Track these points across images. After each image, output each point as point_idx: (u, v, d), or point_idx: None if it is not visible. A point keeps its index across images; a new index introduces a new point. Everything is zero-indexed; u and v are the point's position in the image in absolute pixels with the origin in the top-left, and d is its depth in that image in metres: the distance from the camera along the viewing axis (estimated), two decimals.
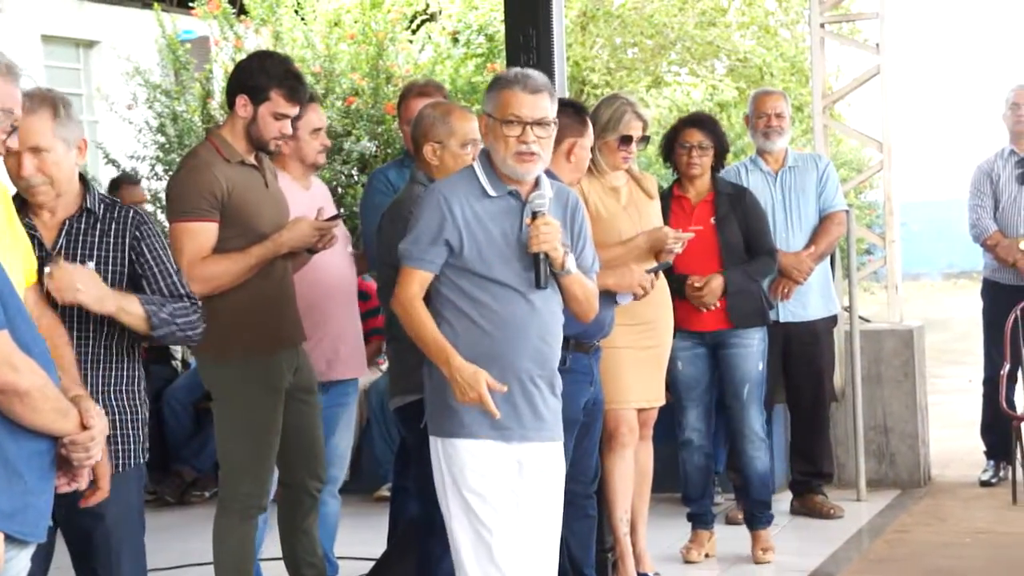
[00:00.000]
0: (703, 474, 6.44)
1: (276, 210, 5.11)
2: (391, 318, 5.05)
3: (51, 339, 3.58)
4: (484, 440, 4.28)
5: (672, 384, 6.28)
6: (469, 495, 4.26)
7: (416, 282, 4.29)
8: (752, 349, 6.35)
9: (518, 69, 4.45)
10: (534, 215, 4.24)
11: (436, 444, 4.34)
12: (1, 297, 3.06)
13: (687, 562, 6.38)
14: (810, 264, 7.10)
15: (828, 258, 7.35)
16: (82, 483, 3.30)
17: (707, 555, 6.46)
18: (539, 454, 4.36)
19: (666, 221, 6.27)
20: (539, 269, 4.26)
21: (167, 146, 10.68)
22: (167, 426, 8.26)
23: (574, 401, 5.00)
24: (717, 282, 6.26)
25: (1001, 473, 7.97)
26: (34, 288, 3.65)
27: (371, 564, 5.71)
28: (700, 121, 6.57)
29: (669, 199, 6.47)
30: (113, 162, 10.74)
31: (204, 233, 4.91)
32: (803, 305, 7.18)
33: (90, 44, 16.16)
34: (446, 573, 4.69)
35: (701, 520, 6.47)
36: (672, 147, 6.50)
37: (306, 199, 5.49)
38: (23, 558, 3.14)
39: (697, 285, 6.23)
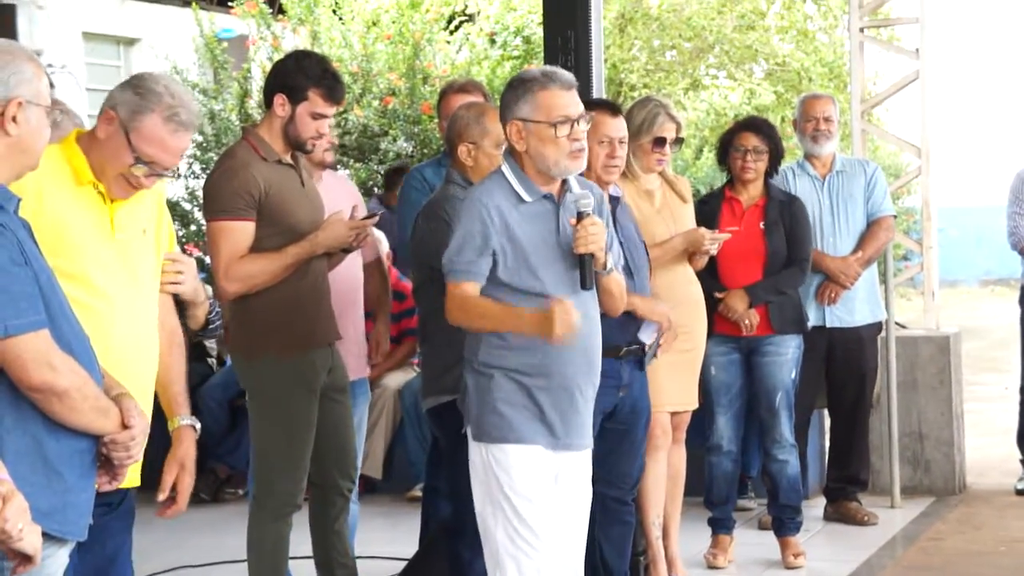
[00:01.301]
0: (729, 479, 6.42)
1: (312, 209, 5.12)
2: (425, 319, 5.06)
3: (169, 346, 3.70)
4: (533, 446, 4.22)
5: (703, 388, 6.27)
6: (518, 500, 4.19)
7: (466, 290, 4.19)
8: (787, 358, 6.33)
9: (540, 68, 4.40)
10: (580, 215, 4.22)
11: (481, 450, 4.25)
12: (43, 295, 3.08)
13: (712, 568, 6.36)
14: (857, 269, 7.06)
15: (875, 264, 7.32)
16: (122, 481, 3.32)
17: (729, 560, 6.44)
18: (575, 462, 4.35)
19: (716, 222, 6.28)
20: (585, 270, 4.23)
21: (204, 144, 10.74)
22: (202, 423, 8.26)
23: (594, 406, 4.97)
24: (735, 298, 6.24)
25: None
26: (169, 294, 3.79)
27: (403, 564, 5.72)
28: (756, 125, 6.56)
29: (721, 200, 6.47)
30: None
31: (240, 232, 4.92)
32: (849, 311, 7.14)
33: (130, 42, 16.28)
34: (477, 574, 4.69)
35: (723, 525, 6.45)
36: (727, 150, 6.48)
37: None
38: (61, 556, 3.16)
39: (718, 296, 6.22)
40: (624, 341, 5.12)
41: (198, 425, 3.79)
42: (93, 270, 3.41)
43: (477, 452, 4.28)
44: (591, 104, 4.93)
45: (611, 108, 5.36)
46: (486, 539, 4.27)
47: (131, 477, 3.56)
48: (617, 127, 5.25)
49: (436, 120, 6.22)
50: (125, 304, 3.49)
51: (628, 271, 5.09)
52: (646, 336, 5.22)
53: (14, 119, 3.11)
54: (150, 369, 3.64)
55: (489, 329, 4.22)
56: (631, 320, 5.10)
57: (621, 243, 4.80)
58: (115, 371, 3.35)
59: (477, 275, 4.19)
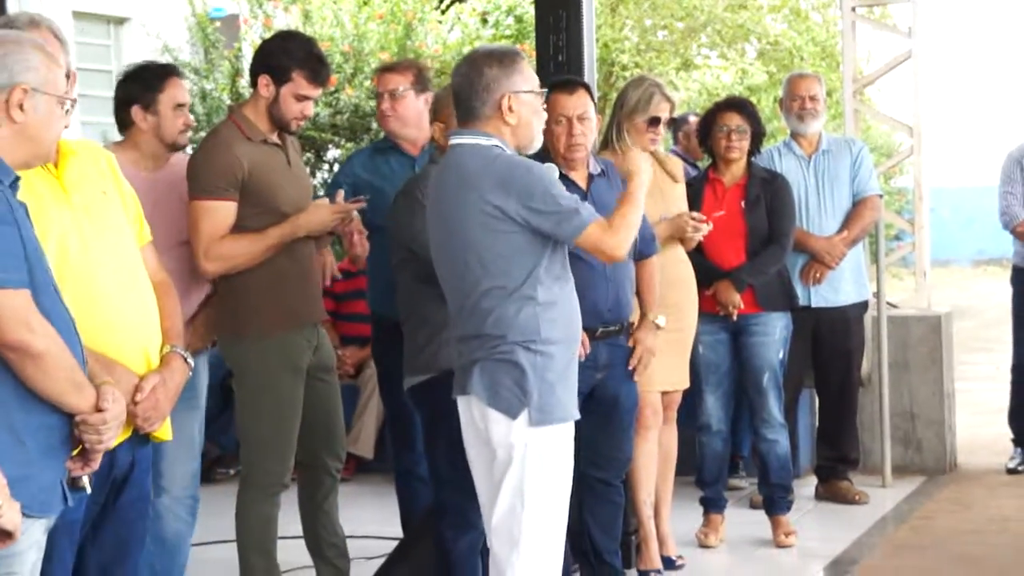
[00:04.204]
0: (719, 459, 6.44)
1: (298, 188, 5.11)
2: (403, 297, 5.03)
3: (160, 295, 3.64)
4: (572, 422, 4.21)
5: (692, 368, 6.28)
6: (561, 477, 4.14)
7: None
8: (774, 337, 6.33)
9: (505, 44, 4.43)
10: None
11: (535, 434, 4.08)
12: (29, 264, 3.09)
13: (703, 547, 6.37)
14: (843, 249, 7.05)
15: (861, 243, 7.31)
16: (95, 468, 3.29)
17: (720, 539, 6.45)
18: None
19: (699, 204, 6.27)
20: None
21: (196, 124, 10.70)
22: None
23: None
24: (728, 291, 6.23)
25: None
26: (148, 247, 3.72)
27: (393, 543, 5.72)
28: (738, 104, 6.56)
29: (703, 182, 6.46)
30: None
31: (221, 212, 4.90)
32: (835, 290, 7.14)
33: (120, 21, 16.21)
34: (461, 554, 4.69)
35: (715, 504, 6.46)
36: (710, 130, 6.47)
37: (147, 186, 4.63)
38: (33, 533, 3.13)
39: (708, 294, 6.21)
40: (600, 323, 5.10)
41: (191, 360, 3.70)
42: (62, 236, 3.36)
43: (525, 438, 4.09)
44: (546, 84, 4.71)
45: (568, 86, 5.23)
46: (505, 522, 4.13)
47: (163, 429, 3.58)
48: (574, 104, 5.15)
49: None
50: (103, 264, 3.44)
51: None
52: None
53: (20, 106, 3.14)
54: (150, 319, 3.58)
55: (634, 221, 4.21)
56: (606, 302, 5.10)
57: None
58: (112, 326, 3.35)
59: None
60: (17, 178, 3.15)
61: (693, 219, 5.94)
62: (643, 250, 5.40)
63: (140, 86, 4.93)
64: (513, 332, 4.10)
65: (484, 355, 4.14)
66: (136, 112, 4.90)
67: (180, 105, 5.01)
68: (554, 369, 4.12)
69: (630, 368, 5.33)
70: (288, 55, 4.99)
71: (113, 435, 3.25)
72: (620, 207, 4.21)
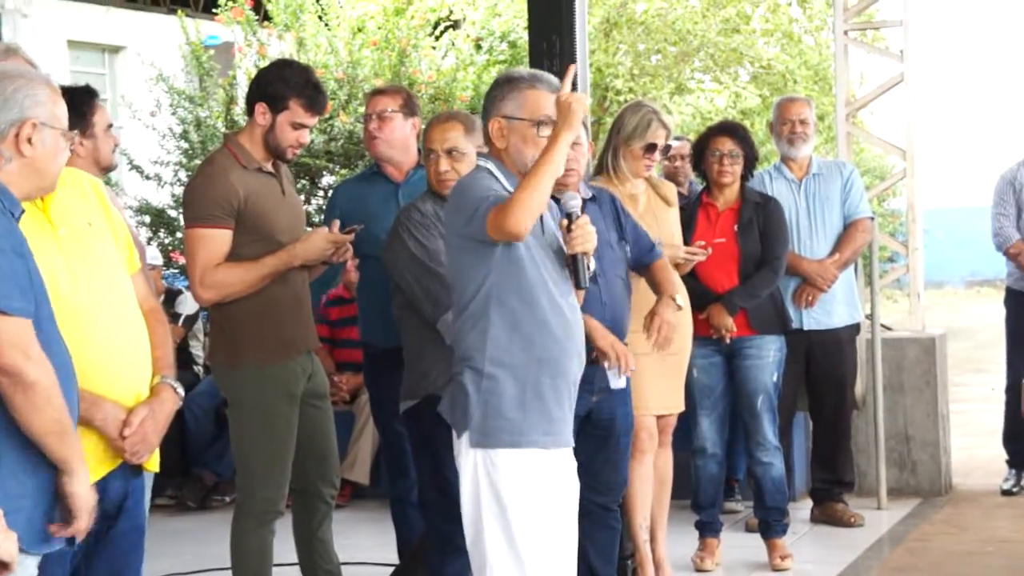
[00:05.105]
0: (714, 482, 6.43)
1: (292, 216, 5.14)
2: (397, 323, 5.05)
3: (153, 324, 3.63)
4: (534, 449, 4.10)
5: (686, 391, 6.29)
6: (517, 507, 4.05)
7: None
8: (768, 360, 6.34)
9: (526, 69, 4.40)
10: (570, 216, 4.22)
11: (478, 456, 4.07)
12: (36, 298, 3.11)
13: (699, 571, 6.37)
14: (834, 272, 7.07)
15: (852, 266, 7.33)
16: (81, 534, 3.26)
17: (716, 563, 6.45)
18: (568, 458, 4.26)
19: (692, 229, 6.29)
20: (580, 270, 4.23)
21: (190, 152, 10.74)
22: (188, 431, 8.28)
23: None
24: (720, 314, 6.25)
25: (1023, 482, 7.94)
26: (138, 275, 3.71)
27: (389, 570, 5.72)
28: (731, 129, 6.59)
29: (697, 207, 6.48)
30: (137, 168, 10.80)
31: (218, 239, 4.92)
32: (827, 313, 7.15)
33: (115, 50, 16.28)
34: None
35: (710, 528, 6.46)
36: (703, 155, 6.49)
37: None
38: (27, 567, 3.12)
39: (701, 318, 6.23)
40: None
41: (180, 390, 3.66)
42: (51, 271, 3.34)
43: (472, 459, 4.09)
44: None
45: None
46: (474, 548, 4.13)
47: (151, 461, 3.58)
48: None
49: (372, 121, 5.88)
50: (93, 298, 3.44)
51: (592, 276, 5.09)
52: (616, 383, 5.17)
53: (29, 140, 3.19)
54: (141, 351, 3.57)
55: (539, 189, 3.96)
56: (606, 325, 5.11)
57: None
58: (103, 360, 3.36)
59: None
60: (23, 211, 3.17)
61: (689, 251, 5.98)
62: (644, 260, 5.42)
63: (72, 112, 4.83)
64: (462, 351, 4.11)
65: (452, 373, 4.19)
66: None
67: (109, 126, 4.93)
68: (505, 392, 4.05)
69: (651, 338, 5.22)
70: (285, 83, 5.02)
71: (89, 521, 3.21)
72: (526, 175, 4.03)
